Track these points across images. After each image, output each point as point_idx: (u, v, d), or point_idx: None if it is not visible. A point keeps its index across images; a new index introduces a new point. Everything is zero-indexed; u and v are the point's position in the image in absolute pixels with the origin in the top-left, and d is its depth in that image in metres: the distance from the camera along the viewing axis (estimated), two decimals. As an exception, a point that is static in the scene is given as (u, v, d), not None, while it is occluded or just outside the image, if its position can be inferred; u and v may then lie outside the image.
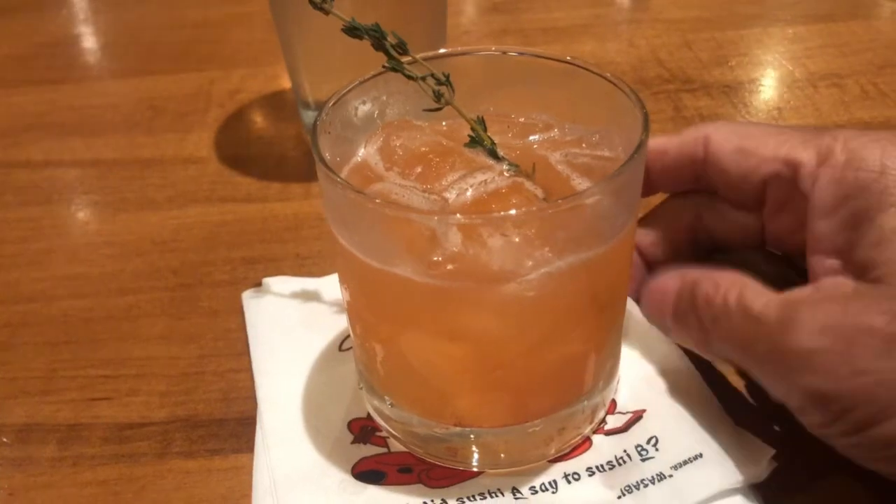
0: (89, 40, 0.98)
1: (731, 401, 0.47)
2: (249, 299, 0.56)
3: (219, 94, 0.82)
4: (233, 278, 0.59)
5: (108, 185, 0.71)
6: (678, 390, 0.47)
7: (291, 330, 0.53)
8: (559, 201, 0.38)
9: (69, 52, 0.95)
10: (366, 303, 0.43)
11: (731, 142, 0.45)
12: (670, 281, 0.45)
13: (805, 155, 0.43)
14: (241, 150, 0.74)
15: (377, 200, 0.39)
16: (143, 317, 0.57)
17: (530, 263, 0.37)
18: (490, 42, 0.88)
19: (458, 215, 0.39)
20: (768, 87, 0.78)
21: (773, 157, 0.44)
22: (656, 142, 0.47)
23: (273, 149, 0.74)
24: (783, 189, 0.44)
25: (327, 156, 0.41)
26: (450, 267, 0.37)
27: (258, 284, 0.57)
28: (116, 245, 0.64)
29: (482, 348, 0.40)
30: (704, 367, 0.48)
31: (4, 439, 0.49)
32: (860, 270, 0.40)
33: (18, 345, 0.55)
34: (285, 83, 0.81)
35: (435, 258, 0.37)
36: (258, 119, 0.79)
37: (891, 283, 0.38)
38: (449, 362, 0.41)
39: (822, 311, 0.38)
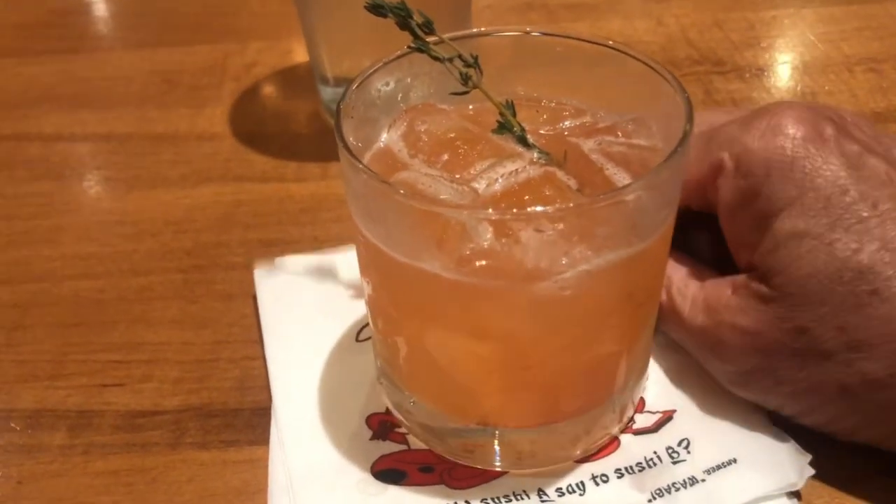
0: (102, 9, 0.96)
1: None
2: (262, 279, 0.54)
3: (234, 68, 0.79)
4: (248, 261, 0.57)
5: (120, 161, 0.69)
6: (711, 388, 0.45)
7: (306, 316, 0.51)
8: (599, 196, 0.36)
9: (81, 22, 0.92)
10: (390, 298, 0.41)
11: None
12: None
13: (701, 172, 0.44)
14: (256, 127, 0.72)
15: (403, 192, 0.36)
16: (156, 299, 0.55)
17: (566, 261, 0.35)
18: (513, 18, 0.85)
19: (491, 210, 0.37)
20: (802, 70, 0.75)
21: (688, 187, 0.44)
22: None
23: (289, 126, 0.72)
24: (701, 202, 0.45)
25: (351, 141, 0.39)
26: (480, 263, 0.35)
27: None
28: (129, 224, 0.62)
29: (512, 348, 0.39)
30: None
31: (14, 425, 0.48)
32: (763, 273, 0.41)
33: (28, 326, 0.54)
34: (302, 57, 0.78)
35: (465, 254, 0.36)
36: (274, 94, 0.76)
37: (789, 294, 0.39)
38: (476, 361, 0.39)
39: (740, 331, 0.41)
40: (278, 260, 0.55)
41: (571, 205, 0.36)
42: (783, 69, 0.76)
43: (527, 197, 0.37)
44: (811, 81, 0.74)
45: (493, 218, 0.36)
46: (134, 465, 0.45)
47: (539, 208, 0.36)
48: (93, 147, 0.71)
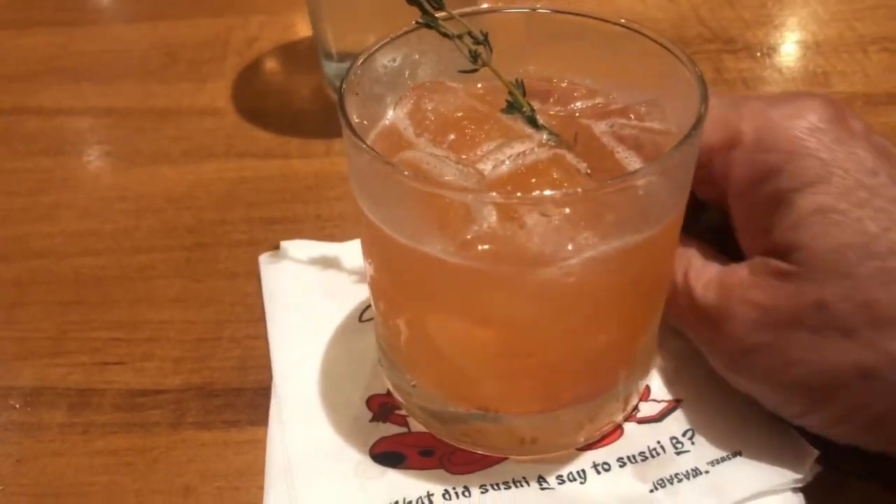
0: (102, -19, 0.94)
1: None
2: (267, 264, 0.53)
3: (236, 42, 0.78)
4: (251, 239, 0.57)
5: (121, 136, 0.68)
6: (718, 379, 0.44)
7: (310, 298, 0.51)
8: (608, 182, 0.35)
9: (81, -7, 0.91)
10: (391, 280, 0.40)
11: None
12: None
13: (715, 138, 0.41)
14: (259, 103, 0.70)
15: (407, 173, 0.35)
16: (158, 277, 0.54)
17: (571, 247, 0.34)
18: (521, -6, 0.84)
19: (495, 194, 0.35)
20: (815, 50, 0.74)
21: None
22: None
23: (293, 101, 0.71)
24: (704, 172, 0.42)
25: (355, 119, 0.38)
26: (484, 248, 0.34)
27: (277, 247, 0.54)
28: (130, 200, 0.61)
29: (514, 333, 0.38)
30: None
31: (13, 402, 0.47)
32: (781, 251, 0.39)
33: (28, 303, 0.53)
34: (305, 31, 0.77)
35: (468, 237, 0.35)
36: (277, 69, 0.75)
37: (811, 268, 0.37)
38: (478, 346, 0.38)
39: (752, 304, 0.39)
40: (283, 244, 0.54)
41: (578, 190, 0.35)
42: (795, 48, 0.75)
43: (534, 180, 0.36)
44: (823, 61, 0.72)
45: (497, 201, 0.35)
46: (134, 444, 0.45)
47: (544, 192, 0.35)
48: (93, 121, 0.70)
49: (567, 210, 0.34)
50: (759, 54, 0.73)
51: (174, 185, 0.62)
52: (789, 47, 0.75)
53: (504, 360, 0.39)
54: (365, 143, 0.36)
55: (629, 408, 0.43)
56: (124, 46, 0.79)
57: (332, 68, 0.69)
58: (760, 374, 0.39)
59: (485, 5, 0.47)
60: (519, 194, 0.35)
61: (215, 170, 0.63)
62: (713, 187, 0.43)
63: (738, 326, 0.39)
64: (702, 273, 0.42)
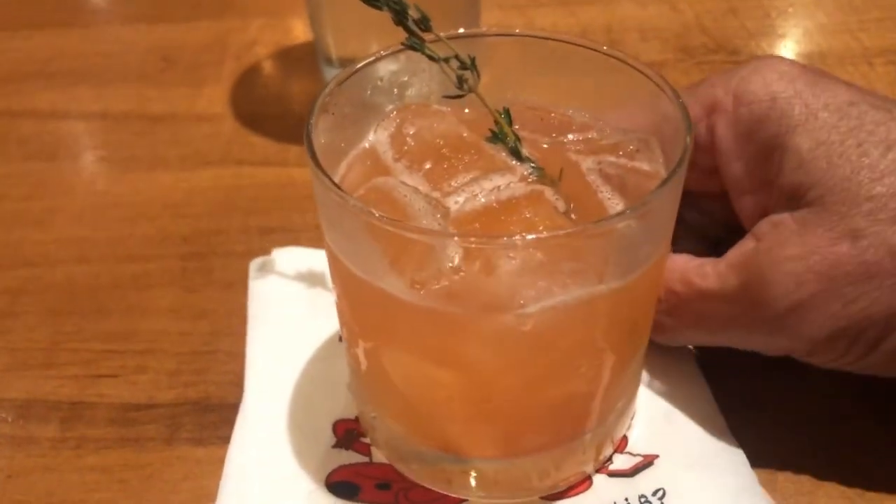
0: (99, -19, 0.93)
1: (757, 454, 0.42)
2: (256, 271, 0.52)
3: (234, 46, 0.77)
4: (248, 249, 0.55)
5: (116, 141, 0.67)
6: (699, 438, 0.42)
7: (293, 312, 0.49)
8: (564, 231, 0.33)
9: (77, -6, 0.90)
10: (350, 309, 0.39)
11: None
12: None
13: (693, 112, 0.41)
14: (257, 108, 0.69)
15: (354, 203, 0.33)
16: (153, 287, 0.53)
17: (530, 294, 0.32)
18: (522, 0, 0.83)
19: (447, 233, 0.33)
20: (820, 61, 0.73)
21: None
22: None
23: (292, 108, 0.70)
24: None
25: (322, 139, 0.37)
26: (437, 287, 0.33)
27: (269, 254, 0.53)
28: (124, 207, 0.60)
29: (471, 378, 0.36)
30: (735, 412, 0.43)
31: (3, 415, 0.46)
32: (790, 197, 0.39)
33: (19, 313, 0.52)
34: (305, 36, 0.76)
35: (421, 276, 0.33)
36: (276, 74, 0.74)
37: (832, 202, 0.37)
38: (433, 387, 0.37)
39: (785, 260, 0.38)
40: (275, 252, 0.53)
41: (532, 236, 0.33)
42: (800, 59, 0.74)
43: (503, 218, 0.34)
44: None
45: (447, 241, 0.33)
46: (128, 460, 0.44)
47: (497, 237, 0.33)
48: (88, 125, 0.69)
49: (523, 255, 0.32)
50: (763, 65, 0.73)
51: (170, 192, 0.61)
52: (794, 58, 0.74)
53: (461, 402, 0.37)
54: (320, 166, 0.34)
55: (601, 458, 0.41)
56: (120, 49, 0.78)
57: (332, 74, 0.68)
58: (809, 328, 0.38)
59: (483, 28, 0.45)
60: (471, 238, 0.33)
61: (212, 177, 0.62)
62: (701, 167, 0.43)
63: (779, 289, 0.38)
64: (706, 267, 0.41)
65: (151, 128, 0.67)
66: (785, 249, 0.38)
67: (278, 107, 0.70)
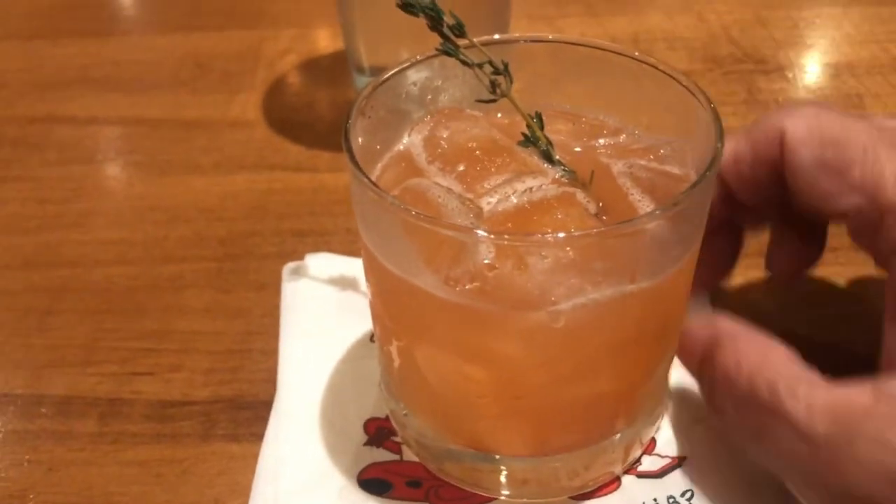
0: (135, -8, 0.95)
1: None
2: (289, 274, 0.53)
3: (267, 54, 0.79)
4: (281, 251, 0.57)
5: (152, 146, 0.68)
6: (726, 441, 0.41)
7: (325, 313, 0.50)
8: (595, 230, 0.34)
9: (114, 4, 0.92)
10: (384, 307, 0.40)
11: (811, 149, 0.38)
12: (699, 328, 0.39)
13: (758, 149, 0.39)
14: (289, 115, 0.71)
15: (391, 201, 0.34)
16: (189, 287, 0.55)
17: (562, 292, 0.33)
18: (552, 11, 0.84)
19: (479, 231, 0.34)
20: (848, 72, 0.74)
21: (860, 185, 0.37)
22: (727, 148, 0.40)
23: (323, 115, 0.71)
24: (864, 224, 0.38)
25: (360, 140, 0.38)
26: (470, 286, 0.33)
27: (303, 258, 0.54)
28: (161, 210, 0.61)
29: (502, 375, 0.37)
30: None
31: (44, 410, 0.47)
32: None
33: (60, 311, 0.53)
34: (338, 45, 0.77)
35: (455, 273, 0.34)
36: (308, 82, 0.75)
37: None
38: (465, 383, 0.37)
39: (884, 445, 0.31)
40: (308, 256, 0.54)
41: (563, 235, 0.33)
42: (828, 70, 0.74)
43: (535, 218, 0.35)
44: (857, 83, 0.72)
45: (479, 239, 0.33)
46: (164, 455, 0.45)
47: (529, 234, 0.33)
48: (124, 131, 0.71)
49: (556, 254, 0.33)
50: (791, 75, 0.73)
51: (205, 196, 0.62)
52: (822, 68, 0.75)
53: (492, 399, 0.38)
54: (357, 163, 0.35)
55: (630, 459, 0.42)
56: (156, 57, 0.80)
57: (363, 82, 0.69)
58: None
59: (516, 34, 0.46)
60: (505, 235, 0.34)
61: (246, 181, 0.63)
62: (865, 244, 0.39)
63: (860, 471, 0.32)
64: (801, 388, 0.34)
65: (186, 133, 0.69)
66: (891, 433, 0.31)
67: (309, 114, 0.71)
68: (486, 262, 0.33)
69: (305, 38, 0.80)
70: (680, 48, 0.76)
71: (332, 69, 0.76)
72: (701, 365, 0.39)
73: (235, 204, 0.61)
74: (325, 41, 0.80)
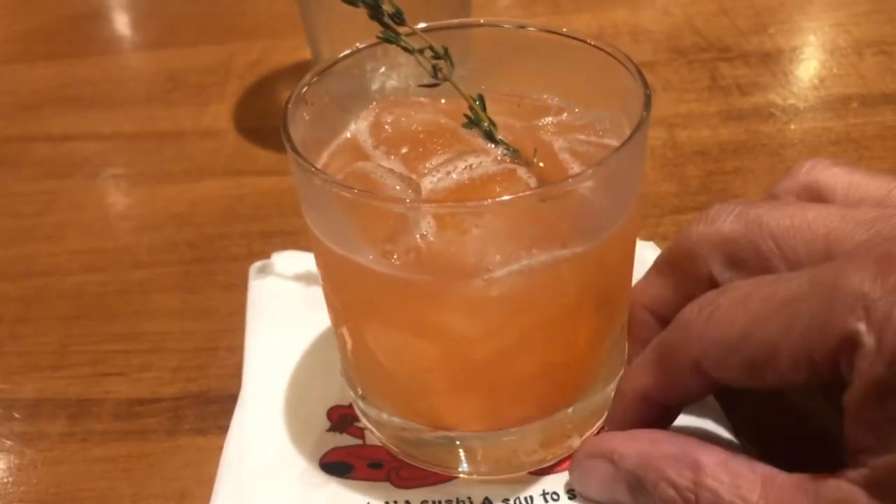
0: (111, 13, 0.97)
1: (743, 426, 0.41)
2: (256, 272, 0.53)
3: (239, 67, 0.80)
4: (249, 252, 0.57)
5: (124, 159, 0.69)
6: (687, 412, 0.40)
7: (292, 308, 0.51)
8: (524, 193, 0.34)
9: (90, 26, 0.93)
10: (332, 290, 0.40)
11: (734, 364, 0.32)
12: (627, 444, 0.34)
13: (823, 341, 0.29)
14: (259, 123, 0.72)
15: (325, 176, 0.35)
16: (158, 291, 0.55)
17: (496, 260, 0.33)
18: (518, 11, 0.85)
19: (410, 201, 0.35)
20: (810, 55, 0.75)
21: (793, 363, 0.30)
22: (631, 386, 0.36)
23: (293, 121, 0.72)
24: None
25: (303, 129, 0.39)
26: (406, 258, 0.34)
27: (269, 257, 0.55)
28: (132, 219, 0.62)
29: (447, 347, 0.37)
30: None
31: (15, 414, 0.48)
32: None
33: (31, 319, 0.54)
34: (307, 55, 0.78)
35: (391, 246, 0.34)
36: (278, 91, 0.77)
37: None
38: (413, 358, 0.38)
39: None
40: (275, 255, 0.54)
41: (491, 200, 0.34)
42: (790, 54, 0.75)
43: (475, 193, 0.36)
44: (818, 65, 0.73)
45: (414, 209, 0.34)
46: (132, 451, 0.45)
47: (460, 202, 0.34)
48: (98, 146, 0.72)
49: (489, 220, 0.33)
50: (753, 60, 0.74)
51: (175, 203, 0.63)
52: (784, 53, 0.75)
53: (440, 374, 0.38)
54: (295, 148, 0.36)
55: (587, 433, 0.42)
56: (130, 74, 0.81)
57: (330, 87, 0.70)
58: None
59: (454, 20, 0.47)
60: (434, 204, 0.35)
61: (215, 187, 0.64)
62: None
63: None
64: (741, 484, 0.30)
65: (158, 145, 0.70)
66: None
67: (278, 121, 0.72)
68: (420, 233, 0.34)
69: (276, 49, 0.82)
70: (644, 41, 0.77)
71: (301, 76, 0.77)
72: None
73: (205, 209, 0.62)
74: (295, 51, 0.81)
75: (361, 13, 0.39)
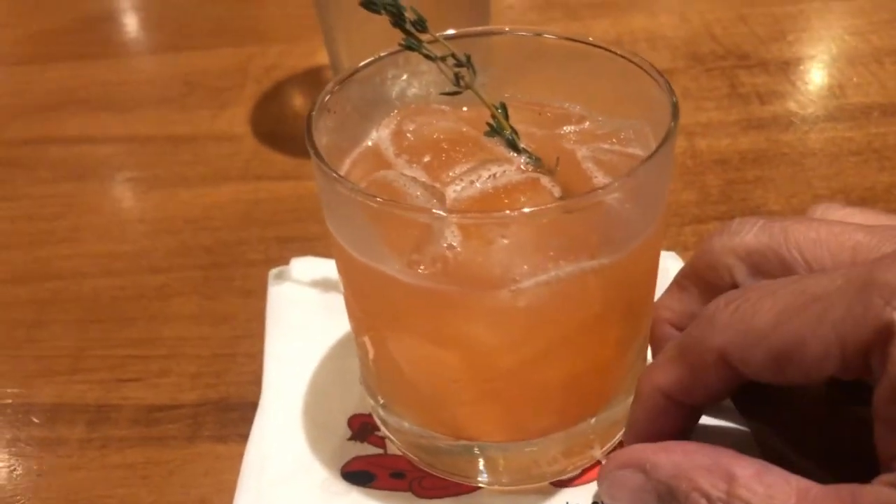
0: (125, 15, 0.97)
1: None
2: (274, 278, 0.53)
3: (255, 70, 0.80)
4: (267, 258, 0.57)
5: (141, 162, 0.69)
6: (708, 421, 0.39)
7: (311, 315, 0.51)
8: (551, 205, 0.34)
9: (105, 28, 0.93)
10: (355, 299, 0.40)
11: (761, 356, 0.31)
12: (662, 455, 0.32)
13: (858, 331, 0.28)
14: (276, 127, 0.71)
15: (352, 187, 0.34)
16: (175, 296, 0.55)
17: (523, 270, 0.33)
18: (534, 16, 0.85)
19: (438, 211, 0.34)
20: (829, 63, 0.74)
21: (823, 355, 0.29)
22: (651, 382, 0.34)
23: (309, 125, 0.72)
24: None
25: (326, 137, 0.38)
26: (433, 268, 0.34)
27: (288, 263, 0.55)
28: (149, 222, 0.62)
29: (471, 357, 0.37)
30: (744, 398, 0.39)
31: (34, 419, 0.48)
32: None
33: (48, 322, 0.54)
34: (322, 59, 0.78)
35: (417, 256, 0.34)
36: (294, 95, 0.76)
37: None
38: (438, 368, 0.37)
39: None
40: (293, 261, 0.54)
41: (519, 211, 0.34)
42: (809, 62, 0.75)
43: (499, 202, 0.35)
44: (838, 73, 0.72)
45: (441, 220, 0.34)
46: (151, 457, 0.45)
47: (488, 213, 0.34)
48: (114, 149, 0.72)
49: (516, 231, 0.33)
50: (772, 68, 0.73)
51: (191, 208, 0.63)
52: (804, 61, 0.75)
53: (464, 384, 0.38)
54: (320, 156, 0.36)
55: (611, 442, 0.41)
56: (145, 77, 0.81)
57: (347, 91, 0.70)
58: None
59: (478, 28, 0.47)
60: (463, 214, 0.34)
61: (232, 192, 0.64)
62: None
63: None
64: (774, 493, 0.29)
65: (174, 148, 0.70)
66: None
67: (295, 126, 0.72)
68: (447, 243, 0.33)
69: (291, 53, 0.81)
70: (662, 47, 0.77)
71: (317, 82, 0.77)
72: None
73: (221, 214, 0.62)
74: (311, 55, 0.81)
75: (381, 17, 0.39)
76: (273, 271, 0.54)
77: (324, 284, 0.53)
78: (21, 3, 0.96)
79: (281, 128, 0.71)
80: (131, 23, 0.96)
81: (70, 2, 0.98)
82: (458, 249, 0.34)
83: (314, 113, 0.38)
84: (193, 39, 0.87)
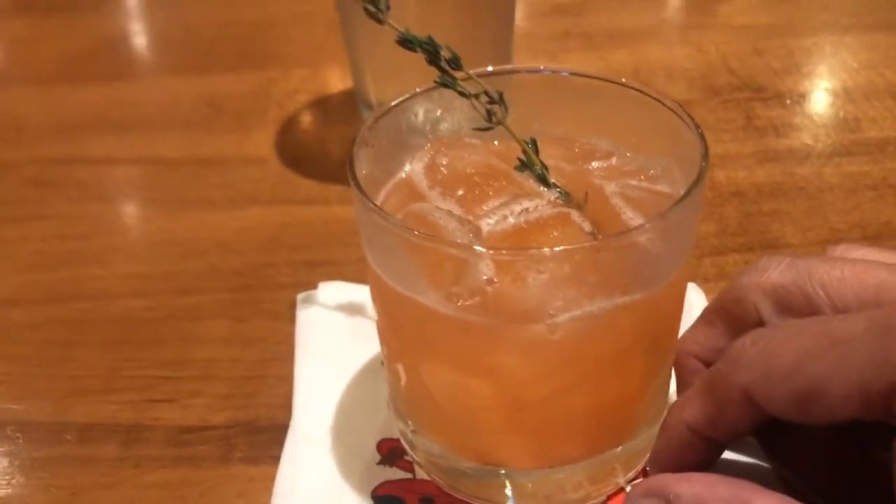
0: (148, 37, 0.98)
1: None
2: (303, 302, 0.55)
3: (278, 94, 0.81)
4: (295, 281, 0.58)
5: (167, 184, 0.70)
6: (733, 446, 0.40)
7: (339, 339, 0.52)
8: (588, 244, 0.35)
9: (128, 49, 0.95)
10: (390, 327, 0.41)
11: (783, 393, 0.31)
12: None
13: (880, 378, 0.29)
14: (300, 152, 0.73)
15: (395, 222, 0.36)
16: (205, 318, 0.56)
17: (558, 305, 0.35)
18: (553, 46, 0.86)
19: (478, 248, 0.36)
20: (845, 97, 0.75)
21: (845, 397, 0.30)
22: (679, 418, 0.36)
23: (333, 150, 0.73)
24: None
25: (364, 169, 0.40)
26: (471, 301, 0.35)
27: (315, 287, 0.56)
28: (177, 244, 0.63)
29: (503, 387, 0.38)
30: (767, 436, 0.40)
31: (67, 437, 0.49)
32: None
33: (79, 343, 0.55)
34: (345, 84, 0.80)
35: (455, 289, 0.35)
36: (318, 120, 0.78)
37: None
38: (469, 397, 0.39)
39: None
40: (321, 285, 0.55)
41: (558, 249, 0.35)
42: (825, 95, 0.76)
43: (532, 237, 0.37)
44: (854, 108, 0.74)
45: (481, 256, 0.35)
46: (184, 478, 0.46)
47: (527, 250, 0.35)
48: (141, 170, 0.73)
49: (553, 267, 0.34)
50: (788, 101, 0.75)
51: (219, 231, 0.64)
52: (819, 94, 0.76)
53: (495, 413, 0.39)
54: (362, 190, 0.37)
55: (634, 469, 0.43)
56: (171, 98, 0.82)
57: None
58: None
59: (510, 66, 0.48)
60: (500, 250, 0.36)
61: (259, 215, 0.65)
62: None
63: None
64: None
65: (201, 171, 0.71)
66: None
67: (319, 150, 0.73)
68: (485, 277, 0.35)
69: (315, 77, 0.83)
70: (679, 78, 0.78)
71: (341, 107, 0.78)
72: None
73: (249, 237, 0.63)
74: (334, 80, 0.82)
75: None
76: (301, 295, 0.55)
77: (350, 309, 0.54)
78: (47, 23, 0.98)
79: (306, 153, 0.73)
80: (154, 45, 0.97)
81: (93, 24, 0.99)
82: (496, 283, 0.35)
83: (355, 146, 0.39)
84: (217, 61, 0.88)
